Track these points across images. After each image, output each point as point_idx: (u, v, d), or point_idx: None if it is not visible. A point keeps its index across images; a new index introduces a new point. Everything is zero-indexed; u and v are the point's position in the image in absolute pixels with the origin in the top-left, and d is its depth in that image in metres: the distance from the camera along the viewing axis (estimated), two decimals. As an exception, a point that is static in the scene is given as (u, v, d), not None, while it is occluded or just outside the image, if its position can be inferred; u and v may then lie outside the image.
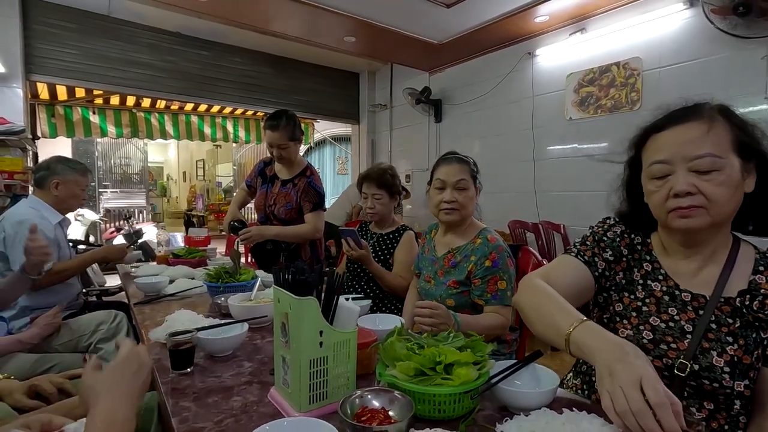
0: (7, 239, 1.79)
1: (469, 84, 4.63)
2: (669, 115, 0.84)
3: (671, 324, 0.84)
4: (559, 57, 3.81)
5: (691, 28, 2.99)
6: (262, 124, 2.31)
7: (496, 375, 0.80)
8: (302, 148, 8.05)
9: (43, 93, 4.85)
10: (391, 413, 0.73)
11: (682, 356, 0.80)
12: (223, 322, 1.18)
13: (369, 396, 0.75)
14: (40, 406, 1.05)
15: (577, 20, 3.61)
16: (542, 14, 3.58)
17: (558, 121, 3.79)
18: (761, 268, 0.82)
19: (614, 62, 3.43)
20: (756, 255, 0.84)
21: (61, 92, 4.97)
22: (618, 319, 0.91)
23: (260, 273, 1.89)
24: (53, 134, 5.18)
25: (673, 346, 0.82)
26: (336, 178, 8.43)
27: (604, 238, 0.96)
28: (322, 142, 8.32)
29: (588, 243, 0.97)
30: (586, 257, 0.95)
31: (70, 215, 2.17)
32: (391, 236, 1.98)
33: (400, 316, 1.43)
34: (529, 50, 4.00)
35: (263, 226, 2.19)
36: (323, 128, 7.52)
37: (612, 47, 3.45)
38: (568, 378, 1.07)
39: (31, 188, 3.23)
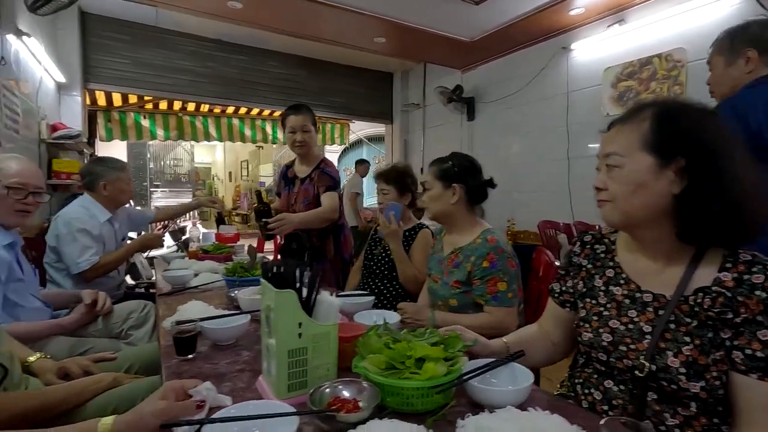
0: (59, 237, 1.99)
1: (502, 81, 4.54)
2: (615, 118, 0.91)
3: (630, 326, 0.85)
4: (595, 51, 3.65)
5: (740, 15, 2.77)
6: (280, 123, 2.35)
7: (471, 371, 0.80)
8: (338, 149, 8.21)
9: (101, 100, 5.27)
10: (360, 404, 0.75)
11: (642, 357, 0.79)
12: (228, 312, 1.25)
13: (340, 386, 0.78)
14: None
15: (615, 11, 3.45)
16: (577, 6, 3.44)
17: (594, 117, 3.63)
18: (728, 265, 0.77)
19: (656, 54, 3.24)
20: (724, 252, 0.79)
21: (117, 99, 5.38)
22: (581, 323, 0.93)
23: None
24: (109, 138, 5.61)
25: (632, 347, 0.82)
26: (370, 178, 8.51)
27: (570, 265, 1.03)
28: (357, 143, 8.44)
29: (560, 275, 1.05)
30: (556, 295, 1.05)
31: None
32: (406, 234, 1.99)
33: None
34: (564, 45, 3.85)
35: (288, 214, 2.15)
36: (358, 129, 7.63)
37: (653, 38, 3.26)
38: (564, 381, 1.05)
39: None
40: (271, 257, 3.49)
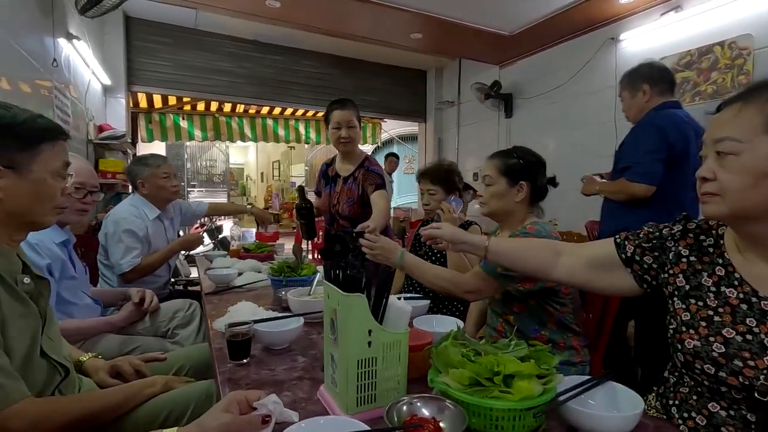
0: (107, 235, 2.02)
1: (543, 76, 4.35)
2: (731, 96, 0.77)
3: (749, 337, 0.72)
4: (647, 40, 3.43)
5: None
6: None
7: (565, 392, 0.70)
8: (370, 148, 8.20)
9: (143, 102, 5.43)
10: (442, 424, 0.66)
11: (762, 376, 0.67)
12: (280, 315, 1.20)
13: (419, 403, 0.70)
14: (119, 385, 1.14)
15: (671, -2, 3.23)
16: (628, -6, 3.25)
17: (646, 111, 3.42)
18: None
19: (717, 42, 3.00)
20: None
21: (157, 101, 5.52)
22: (684, 329, 0.80)
23: (322, 269, 1.91)
24: (150, 139, 5.78)
25: (751, 363, 0.70)
26: (403, 177, 8.44)
27: (656, 232, 0.92)
28: (389, 142, 8.37)
29: (639, 238, 0.94)
30: (618, 240, 0.96)
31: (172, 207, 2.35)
32: None
33: (462, 319, 1.35)
34: (613, 35, 3.65)
35: (376, 219, 1.93)
36: (390, 128, 7.56)
37: (714, 25, 3.02)
38: (648, 399, 0.93)
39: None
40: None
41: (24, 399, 0.80)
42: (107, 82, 3.91)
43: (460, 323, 1.09)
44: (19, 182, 0.86)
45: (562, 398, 0.68)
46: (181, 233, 2.81)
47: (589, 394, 0.72)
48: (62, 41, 2.73)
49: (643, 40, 3.45)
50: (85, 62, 3.26)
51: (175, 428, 0.66)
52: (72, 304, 1.49)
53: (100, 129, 3.60)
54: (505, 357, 0.70)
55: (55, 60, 2.57)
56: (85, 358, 1.18)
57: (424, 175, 1.95)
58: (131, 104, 4.87)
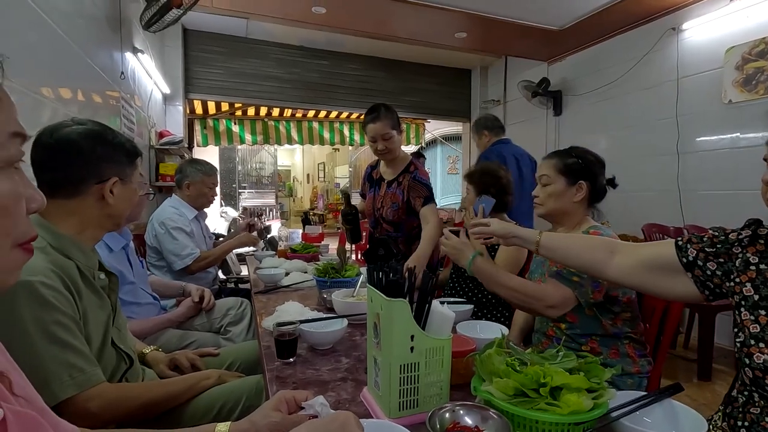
0: (158, 237, 2.20)
1: (594, 71, 4.15)
2: None
3: None
4: (714, 29, 3.18)
5: None
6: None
7: (619, 407, 0.67)
8: (413, 149, 8.21)
9: (198, 108, 5.75)
10: (485, 434, 0.66)
11: None
12: (325, 316, 1.23)
13: (461, 411, 0.69)
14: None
15: (741, -18, 2.97)
16: (692, -19, 3.02)
17: (712, 106, 3.16)
18: None
19: (796, 28, 2.73)
20: None
21: (211, 107, 5.83)
22: (753, 342, 0.73)
23: (365, 270, 1.93)
24: (205, 143, 6.11)
25: None
26: (446, 177, 8.36)
27: (721, 237, 0.87)
28: (432, 142, 8.32)
29: (703, 242, 0.89)
30: (680, 242, 0.90)
31: (213, 211, 2.53)
32: None
33: (506, 325, 1.32)
34: (674, 25, 3.41)
35: (419, 257, 1.92)
36: (434, 128, 7.51)
37: (793, 9, 2.75)
38: (714, 419, 0.87)
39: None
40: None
41: (101, 383, 0.88)
42: (167, 90, 4.17)
43: (505, 330, 1.07)
44: (124, 191, 1.00)
45: (614, 414, 0.65)
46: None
47: (645, 411, 0.68)
48: (128, 55, 2.95)
49: (709, 29, 3.20)
50: (147, 73, 3.51)
51: (229, 423, 0.69)
52: (134, 305, 1.61)
53: (161, 135, 3.85)
54: (553, 368, 0.67)
55: (122, 73, 2.78)
56: (147, 350, 1.27)
57: (468, 177, 1.94)
58: (188, 111, 5.17)
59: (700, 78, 3.27)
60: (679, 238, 0.91)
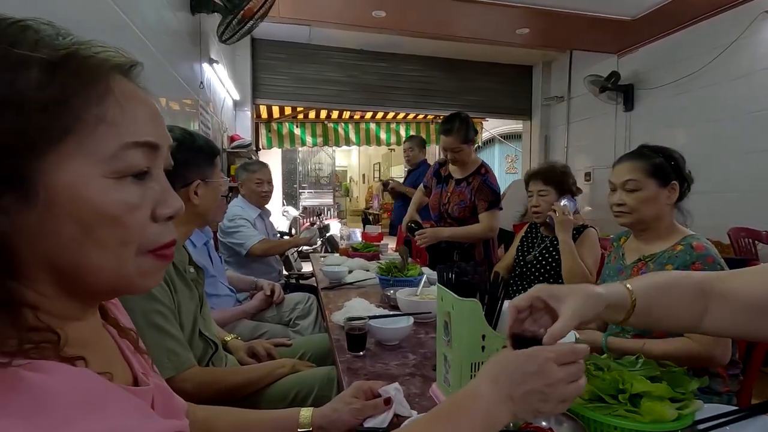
0: (226, 230, 2.38)
1: (671, 63, 3.85)
2: None
3: None
4: (819, 10, 2.83)
5: None
6: (436, 126, 2.40)
7: (707, 420, 0.64)
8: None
9: (264, 113, 6.08)
10: (559, 436, 0.66)
11: None
12: (391, 313, 1.27)
13: (534, 412, 0.70)
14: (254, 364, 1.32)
15: None
16: (791, -43, 2.72)
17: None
18: None
19: None
20: None
21: (275, 111, 6.13)
22: None
23: (426, 270, 1.96)
24: (269, 146, 6.44)
25: None
26: (505, 177, 8.12)
27: None
28: (490, 141, 8.14)
29: None
30: None
31: (275, 210, 2.72)
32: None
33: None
34: (767, 8, 3.08)
35: (437, 228, 2.25)
36: (491, 127, 7.35)
37: None
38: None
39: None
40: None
41: (193, 367, 0.99)
42: (237, 97, 4.46)
43: (577, 334, 1.04)
44: (207, 190, 1.10)
45: (701, 426, 0.63)
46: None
47: (736, 427, 0.65)
48: (206, 66, 3.20)
49: (812, 10, 2.86)
50: (221, 82, 3.77)
51: (312, 408, 0.75)
52: (214, 296, 1.76)
53: (231, 139, 4.13)
54: (632, 375, 0.66)
55: (201, 83, 3.02)
56: (228, 338, 1.39)
57: (535, 176, 1.88)
58: (255, 115, 5.49)
59: (801, 65, 2.93)
60: None
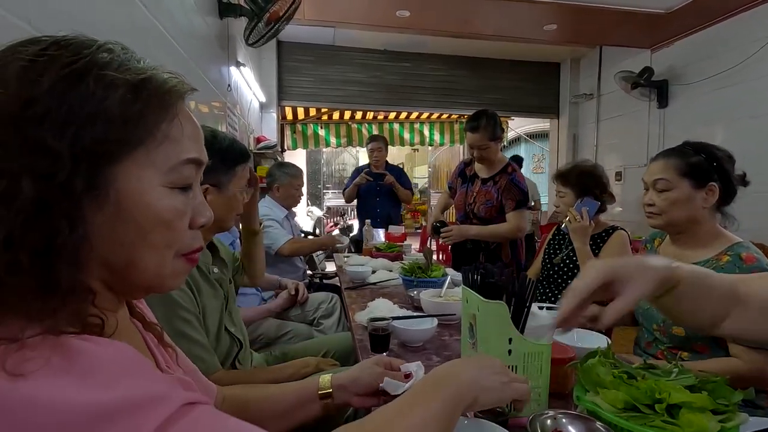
0: None
1: (709, 57, 3.68)
2: None
3: None
4: None
5: None
6: (460, 126, 2.39)
7: (751, 434, 0.60)
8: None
9: (289, 114, 6.17)
10: (590, 446, 0.63)
11: None
12: (415, 314, 1.26)
13: (564, 419, 0.67)
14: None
15: None
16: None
17: None
18: None
19: None
20: None
21: (300, 112, 6.22)
22: None
23: (450, 271, 1.94)
24: (294, 147, 6.54)
25: None
26: (531, 177, 7.97)
27: None
28: (516, 140, 8.01)
29: None
30: None
31: (300, 210, 2.75)
32: (594, 237, 1.73)
33: (605, 334, 1.23)
34: (817, -4, 2.90)
35: (463, 226, 2.23)
36: (517, 126, 7.23)
37: None
38: None
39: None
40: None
41: (218, 371, 1.01)
42: (263, 99, 4.54)
43: (608, 340, 1.01)
44: (218, 197, 1.08)
45: (746, 441, 0.59)
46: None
47: (784, 441, 0.61)
48: (233, 69, 3.27)
49: None
50: (248, 84, 3.85)
51: (330, 373, 0.78)
52: (240, 295, 1.79)
53: (258, 140, 4.21)
54: (669, 384, 0.63)
55: (229, 85, 3.09)
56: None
57: (556, 177, 1.83)
58: (280, 117, 5.58)
59: None
60: None
